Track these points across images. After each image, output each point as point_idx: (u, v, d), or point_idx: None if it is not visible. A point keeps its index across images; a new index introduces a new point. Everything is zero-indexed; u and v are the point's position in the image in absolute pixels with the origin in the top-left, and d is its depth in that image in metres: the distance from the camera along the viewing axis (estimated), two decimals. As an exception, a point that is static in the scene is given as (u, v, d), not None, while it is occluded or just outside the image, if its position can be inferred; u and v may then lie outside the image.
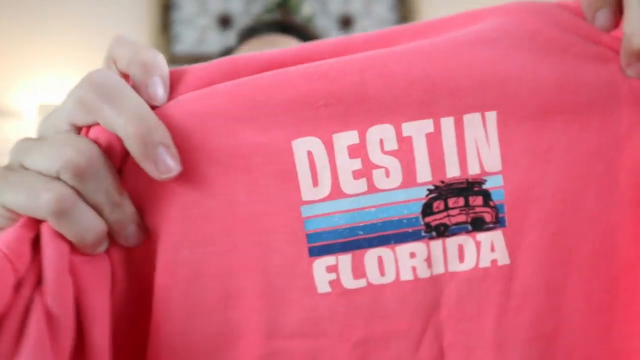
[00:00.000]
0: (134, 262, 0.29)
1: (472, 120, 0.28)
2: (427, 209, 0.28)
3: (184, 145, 0.27)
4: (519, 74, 0.28)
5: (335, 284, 0.29)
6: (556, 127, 0.28)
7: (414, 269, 0.29)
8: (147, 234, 0.29)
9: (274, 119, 0.27)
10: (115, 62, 0.28)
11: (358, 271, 0.29)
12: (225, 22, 1.86)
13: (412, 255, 0.28)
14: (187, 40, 1.85)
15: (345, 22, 1.90)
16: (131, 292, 0.29)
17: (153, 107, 0.27)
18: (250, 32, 0.74)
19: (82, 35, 1.69)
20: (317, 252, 0.28)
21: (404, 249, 0.28)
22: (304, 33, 0.74)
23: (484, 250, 0.29)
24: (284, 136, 0.27)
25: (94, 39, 1.58)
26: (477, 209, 0.29)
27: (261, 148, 0.28)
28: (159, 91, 0.27)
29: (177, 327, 0.29)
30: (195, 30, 1.87)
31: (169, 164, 0.26)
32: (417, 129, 0.28)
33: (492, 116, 0.28)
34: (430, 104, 0.27)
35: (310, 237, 0.28)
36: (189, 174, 0.28)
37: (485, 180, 0.28)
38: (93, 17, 1.72)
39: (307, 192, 0.28)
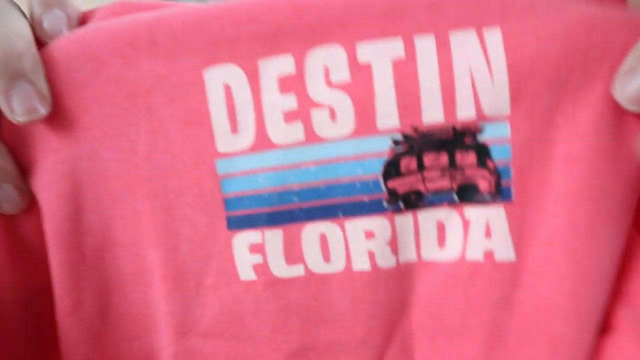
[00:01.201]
0: (23, 238, 0.23)
1: (463, 39, 0.18)
2: (391, 169, 0.19)
3: (69, 80, 0.20)
4: None
5: (261, 269, 0.21)
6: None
7: (371, 254, 0.20)
8: (33, 199, 0.22)
9: (181, 43, 0.19)
10: None
11: (292, 254, 0.20)
12: None
13: (369, 234, 0.20)
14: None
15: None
16: (21, 274, 0.23)
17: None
18: None
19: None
20: (237, 224, 0.21)
21: (356, 225, 0.20)
22: None
23: (475, 234, 0.19)
24: (193, 65, 0.20)
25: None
26: (468, 171, 0.19)
27: (164, 82, 0.20)
28: (57, 25, 0.21)
29: (92, 309, 0.22)
30: None
31: (29, 103, 0.19)
32: (380, 53, 0.19)
33: (494, 34, 0.18)
34: (400, 16, 0.18)
35: (228, 203, 0.20)
36: (80, 118, 0.21)
37: (483, 129, 0.19)
38: None
39: (224, 140, 0.20)
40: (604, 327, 0.19)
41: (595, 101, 0.18)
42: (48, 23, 0.21)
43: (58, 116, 0.21)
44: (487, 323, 0.20)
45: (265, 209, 0.20)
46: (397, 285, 0.20)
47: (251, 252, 0.21)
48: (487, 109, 0.19)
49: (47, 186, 0.21)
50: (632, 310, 0.18)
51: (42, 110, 0.20)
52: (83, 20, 0.22)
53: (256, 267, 0.21)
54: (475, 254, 0.20)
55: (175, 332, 0.22)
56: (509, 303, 0.20)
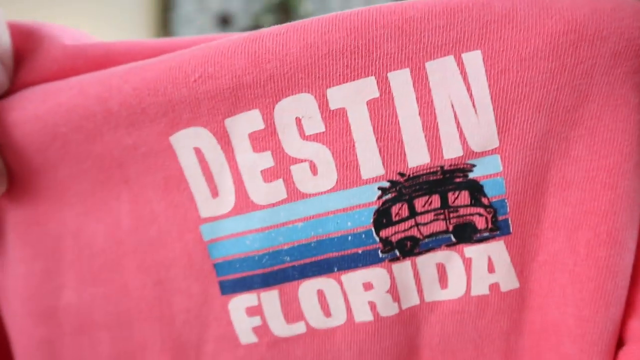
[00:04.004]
0: None
1: (441, 68, 0.17)
2: (382, 218, 0.18)
3: (41, 160, 0.20)
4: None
5: (262, 331, 0.20)
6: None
7: (372, 305, 0.19)
8: None
9: (137, 111, 0.18)
10: None
11: (291, 312, 0.20)
12: (224, 21, 1.75)
13: (368, 286, 0.19)
14: (186, 39, 1.77)
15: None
16: None
17: None
18: None
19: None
20: (230, 288, 0.20)
21: (354, 278, 0.19)
22: None
23: (478, 270, 0.19)
24: (157, 132, 0.19)
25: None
26: (463, 211, 0.18)
27: (133, 152, 0.19)
28: None
29: None
30: (195, 29, 1.78)
31: None
32: (353, 95, 0.17)
33: (475, 59, 0.17)
34: (368, 52, 0.17)
35: (219, 268, 0.20)
36: (62, 196, 0.20)
37: (474, 166, 0.18)
38: (92, 16, 1.65)
39: (205, 205, 0.19)
40: (620, 342, 0.19)
41: (586, 120, 0.17)
42: None
43: (39, 193, 0.20)
44: (501, 349, 0.20)
45: (258, 271, 0.19)
46: (402, 330, 0.20)
47: (248, 315, 0.20)
48: (474, 145, 0.17)
49: (30, 260, 0.21)
50: None
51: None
52: (18, 49, 0.20)
53: (256, 330, 0.20)
54: (480, 289, 0.19)
55: None
56: (519, 326, 0.19)
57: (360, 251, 0.19)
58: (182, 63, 0.18)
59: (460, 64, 0.17)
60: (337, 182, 0.18)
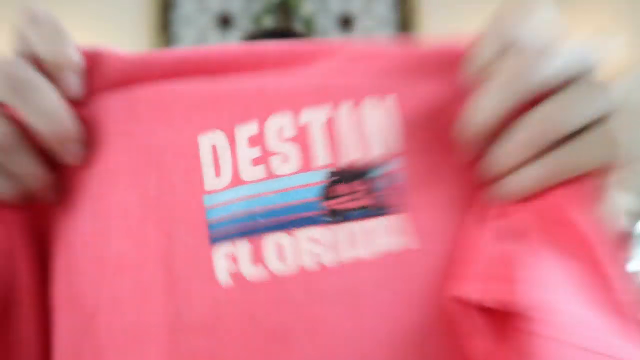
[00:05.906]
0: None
1: (371, 105, 0.28)
2: (327, 193, 0.28)
3: (110, 143, 0.29)
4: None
5: (236, 276, 0.28)
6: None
7: (317, 256, 0.28)
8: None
9: (182, 114, 0.28)
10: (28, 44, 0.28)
11: (256, 258, 0.28)
12: (225, 21, 1.82)
13: (314, 240, 0.28)
14: (186, 39, 1.84)
15: (346, 22, 1.85)
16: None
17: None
18: (251, 40, 0.76)
19: (82, 35, 1.71)
20: (216, 239, 0.28)
21: (303, 233, 0.28)
22: (305, 40, 0.75)
23: (385, 233, 0.28)
24: (191, 131, 0.28)
25: (93, 38, 1.59)
26: (377, 193, 0.28)
27: (172, 145, 0.29)
28: (73, 87, 0.28)
29: (88, 320, 0.29)
30: (195, 30, 1.85)
31: (74, 157, 0.29)
32: (315, 116, 0.28)
33: (390, 100, 0.27)
34: (326, 92, 0.28)
35: (211, 225, 0.28)
36: (116, 169, 0.29)
37: (384, 163, 0.28)
38: (92, 16, 1.72)
39: (210, 182, 0.28)
40: None
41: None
42: (64, 84, 0.28)
43: (95, 178, 0.29)
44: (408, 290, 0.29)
45: (237, 226, 0.28)
46: (342, 277, 0.28)
47: (226, 259, 0.28)
48: (387, 149, 0.28)
49: (92, 219, 0.29)
50: None
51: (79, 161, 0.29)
52: (87, 60, 0.29)
53: (232, 274, 0.28)
54: (387, 247, 0.28)
55: (169, 330, 0.28)
56: (422, 273, 0.29)
57: (310, 215, 0.28)
58: (212, 89, 0.28)
59: (382, 100, 0.27)
60: (299, 168, 0.28)
